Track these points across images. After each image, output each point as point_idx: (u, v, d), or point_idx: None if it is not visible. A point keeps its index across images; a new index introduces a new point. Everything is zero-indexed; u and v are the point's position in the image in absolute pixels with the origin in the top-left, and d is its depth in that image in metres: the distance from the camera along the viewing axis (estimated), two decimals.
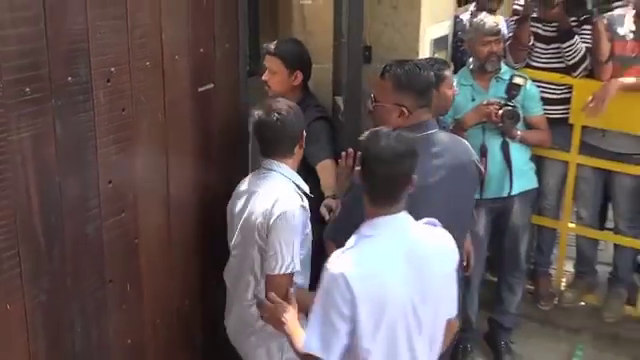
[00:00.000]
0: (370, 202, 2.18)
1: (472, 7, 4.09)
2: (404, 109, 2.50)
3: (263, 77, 3.06)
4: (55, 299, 2.03)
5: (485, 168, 3.61)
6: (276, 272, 2.34)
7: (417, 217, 2.29)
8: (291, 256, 2.36)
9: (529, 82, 3.76)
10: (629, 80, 3.68)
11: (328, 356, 2.05)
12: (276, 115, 2.42)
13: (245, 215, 2.42)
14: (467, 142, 2.80)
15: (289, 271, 2.36)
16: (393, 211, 2.15)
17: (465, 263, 3.39)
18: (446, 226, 2.45)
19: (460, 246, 2.69)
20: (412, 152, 2.15)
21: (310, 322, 2.11)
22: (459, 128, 3.62)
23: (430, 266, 2.16)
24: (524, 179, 3.81)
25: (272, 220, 2.34)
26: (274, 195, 2.37)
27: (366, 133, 2.23)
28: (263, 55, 3.14)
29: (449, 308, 2.25)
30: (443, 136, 2.65)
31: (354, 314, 2.02)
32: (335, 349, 2.05)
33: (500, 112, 3.57)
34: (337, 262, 2.07)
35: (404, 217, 2.18)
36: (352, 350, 2.06)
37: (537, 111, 3.80)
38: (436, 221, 2.27)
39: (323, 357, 2.06)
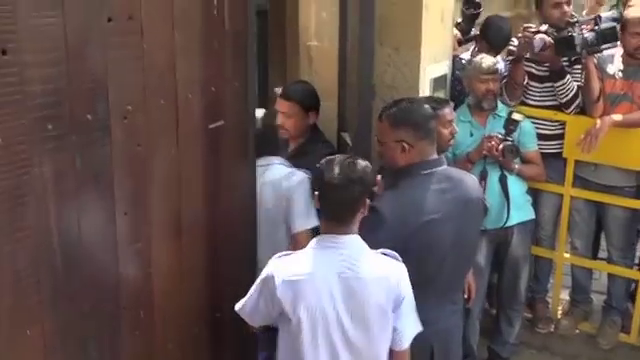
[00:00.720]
0: (323, 223, 2.34)
1: (472, 47, 4.13)
2: (404, 144, 2.54)
3: (278, 122, 3.12)
4: (71, 324, 2.04)
5: (483, 192, 3.65)
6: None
7: (423, 250, 2.41)
8: None
9: (525, 119, 3.80)
10: (619, 117, 3.72)
11: (252, 323, 2.46)
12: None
13: None
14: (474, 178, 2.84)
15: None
16: (342, 232, 2.27)
17: (467, 295, 3.39)
18: (453, 259, 2.55)
19: (463, 278, 2.75)
20: (362, 179, 2.27)
21: (250, 291, 2.37)
22: (465, 162, 3.66)
23: (364, 291, 2.24)
24: (521, 211, 3.84)
25: None
26: None
27: (323, 160, 2.35)
28: (273, 99, 3.18)
29: (387, 340, 2.34)
30: (452, 172, 2.69)
31: (280, 308, 2.26)
32: (258, 321, 2.43)
33: (501, 147, 3.60)
34: (276, 263, 2.30)
35: (352, 239, 2.29)
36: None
37: (532, 147, 3.84)
38: (395, 254, 2.35)
39: (248, 322, 2.44)
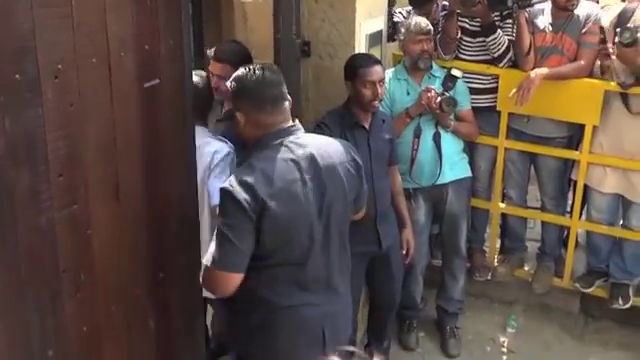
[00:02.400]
0: None
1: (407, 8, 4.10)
2: (239, 115, 2.49)
3: (212, 84, 3.07)
4: (9, 288, 1.97)
5: (416, 150, 3.70)
6: None
7: (280, 223, 2.36)
8: None
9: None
10: (550, 70, 3.78)
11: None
12: None
13: None
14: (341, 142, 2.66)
15: None
16: None
17: (405, 252, 3.44)
18: (321, 235, 2.47)
19: (344, 243, 2.60)
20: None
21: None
22: (404, 118, 3.69)
23: None
24: (457, 168, 3.91)
25: None
26: None
27: None
28: (207, 60, 3.13)
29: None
30: (308, 139, 2.54)
31: None
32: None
33: (439, 99, 3.64)
34: None
35: None
36: None
37: (466, 105, 3.91)
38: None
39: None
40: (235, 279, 2.42)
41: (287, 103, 2.51)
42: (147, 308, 2.56)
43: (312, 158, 2.45)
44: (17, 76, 1.89)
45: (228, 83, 2.54)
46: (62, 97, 2.06)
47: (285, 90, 2.52)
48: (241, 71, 2.51)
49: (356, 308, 3.46)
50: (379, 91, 3.28)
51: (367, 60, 3.30)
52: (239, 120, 2.48)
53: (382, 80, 3.30)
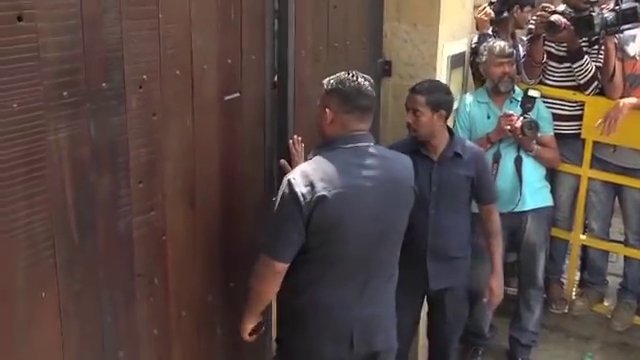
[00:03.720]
0: None
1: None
2: (327, 110, 2.51)
3: None
4: (87, 289, 2.06)
5: (495, 176, 3.65)
6: None
7: (327, 222, 2.41)
8: None
9: (541, 103, 3.78)
10: (638, 100, 3.70)
11: None
12: None
13: None
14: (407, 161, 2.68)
15: None
16: None
17: (487, 299, 3.38)
18: (369, 241, 2.49)
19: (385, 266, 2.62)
20: None
21: None
22: (485, 143, 3.67)
23: None
24: (537, 196, 3.84)
25: None
26: None
27: None
28: None
29: None
30: (379, 150, 2.60)
31: None
32: None
33: (519, 123, 3.60)
34: None
35: None
36: None
37: (548, 131, 3.85)
38: None
39: None
40: (279, 268, 2.46)
41: (372, 116, 2.59)
42: (216, 315, 2.63)
43: (378, 167, 2.50)
44: (104, 84, 1.99)
45: (325, 81, 2.59)
46: (146, 107, 2.16)
47: (375, 104, 2.63)
48: (343, 74, 2.57)
49: (404, 347, 3.33)
50: (411, 120, 3.17)
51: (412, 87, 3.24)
52: (326, 117, 2.53)
53: (416, 110, 3.14)
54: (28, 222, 1.84)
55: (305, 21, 2.82)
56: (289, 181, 2.41)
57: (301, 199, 2.37)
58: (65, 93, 1.86)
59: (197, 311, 2.55)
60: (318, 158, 2.48)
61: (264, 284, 2.52)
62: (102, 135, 2.01)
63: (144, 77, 2.12)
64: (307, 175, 2.41)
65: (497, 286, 3.33)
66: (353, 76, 2.54)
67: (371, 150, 2.53)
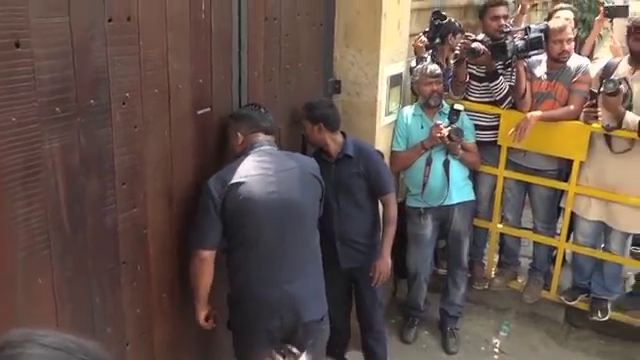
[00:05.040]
0: None
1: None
2: (239, 134, 2.61)
3: None
4: (78, 275, 2.04)
5: (428, 176, 3.69)
6: None
7: (236, 208, 2.43)
8: None
9: (464, 114, 3.83)
10: (544, 113, 3.77)
11: None
12: None
13: None
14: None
15: None
16: None
17: (372, 276, 3.28)
18: (275, 225, 2.48)
19: (308, 236, 2.61)
20: None
21: None
22: (420, 149, 3.70)
23: None
24: (462, 192, 3.87)
25: None
26: None
27: None
28: None
29: None
30: (275, 150, 2.63)
31: None
32: None
33: (446, 131, 3.64)
34: None
35: None
36: None
37: (470, 139, 3.89)
38: None
39: None
40: (203, 255, 2.46)
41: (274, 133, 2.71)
42: (191, 297, 2.60)
43: (276, 161, 2.54)
44: (92, 101, 1.97)
45: (232, 113, 2.71)
46: (128, 120, 2.14)
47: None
48: (246, 106, 2.72)
49: (342, 319, 3.35)
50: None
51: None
52: (237, 139, 2.62)
53: (301, 123, 3.23)
54: (26, 219, 1.83)
55: (257, 47, 2.82)
56: (206, 182, 2.46)
57: (214, 192, 2.42)
58: (58, 109, 1.85)
59: (175, 293, 2.55)
60: (230, 164, 2.54)
61: (195, 271, 2.50)
62: (90, 144, 1.99)
63: (127, 95, 2.11)
64: (219, 174, 2.48)
65: (380, 265, 3.25)
66: (255, 106, 2.68)
67: (271, 152, 2.59)
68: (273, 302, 2.49)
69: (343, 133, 3.25)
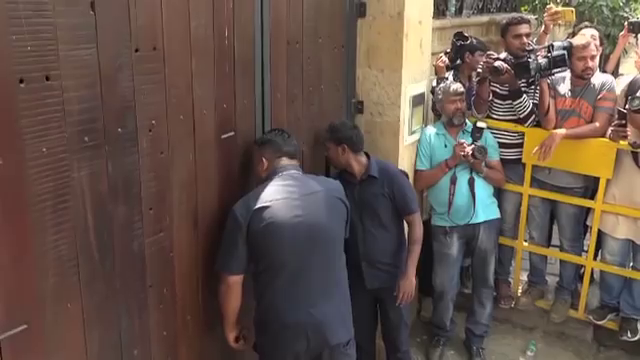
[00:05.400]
0: None
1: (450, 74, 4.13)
2: (264, 159, 2.66)
3: None
4: (106, 300, 2.08)
5: (453, 194, 3.68)
6: None
7: (262, 231, 2.45)
8: None
9: (488, 133, 3.83)
10: (569, 131, 3.74)
11: None
12: None
13: None
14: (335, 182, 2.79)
15: None
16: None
17: (396, 295, 3.27)
18: (304, 248, 2.50)
19: (332, 259, 2.60)
20: None
21: None
22: (444, 168, 3.70)
23: None
24: (488, 210, 3.86)
25: None
26: None
27: None
28: None
29: None
30: (300, 174, 2.65)
31: None
32: None
33: (470, 149, 3.64)
34: None
35: None
36: None
37: (495, 156, 3.88)
38: None
39: None
40: (230, 280, 2.50)
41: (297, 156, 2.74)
42: (216, 318, 2.63)
43: (300, 185, 2.56)
44: (119, 130, 2.02)
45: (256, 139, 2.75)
46: (154, 147, 2.18)
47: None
48: (269, 132, 2.75)
49: (367, 339, 3.34)
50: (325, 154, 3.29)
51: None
52: (262, 165, 2.66)
53: (325, 145, 3.26)
54: (56, 245, 1.87)
55: (280, 70, 2.86)
56: (232, 208, 2.49)
57: (239, 217, 2.45)
58: (86, 138, 1.89)
59: (200, 315, 2.57)
60: (255, 189, 2.57)
61: (223, 296, 2.54)
62: (118, 171, 2.04)
63: (153, 122, 2.15)
64: (244, 200, 2.51)
65: (404, 285, 3.24)
66: (278, 131, 2.71)
67: (296, 175, 2.62)
68: (299, 325, 2.50)
69: (367, 154, 3.27)
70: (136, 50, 2.03)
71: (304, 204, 2.52)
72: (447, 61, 4.04)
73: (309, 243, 2.50)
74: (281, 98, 2.91)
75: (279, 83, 2.87)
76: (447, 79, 3.97)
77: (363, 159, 3.24)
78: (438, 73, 4.01)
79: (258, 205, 2.46)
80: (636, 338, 3.89)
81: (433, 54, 3.97)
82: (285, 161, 2.64)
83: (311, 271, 2.52)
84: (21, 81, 1.68)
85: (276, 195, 2.50)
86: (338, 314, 2.60)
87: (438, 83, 3.94)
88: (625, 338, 3.91)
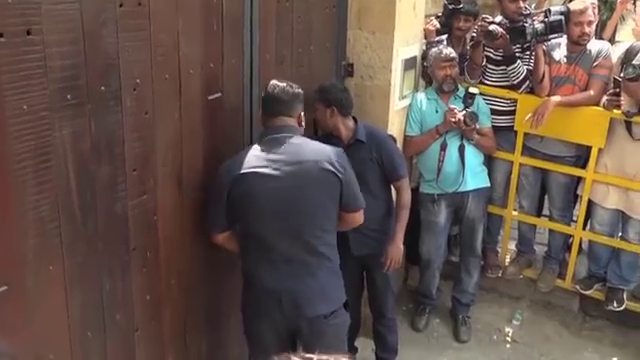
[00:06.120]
0: None
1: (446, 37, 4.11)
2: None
3: None
4: (88, 262, 2.09)
5: (442, 161, 3.71)
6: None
7: (242, 198, 2.50)
8: None
9: (480, 99, 3.83)
10: (562, 99, 3.76)
11: None
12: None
13: None
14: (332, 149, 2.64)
15: None
16: None
17: (383, 261, 3.33)
18: (283, 217, 2.50)
19: (312, 233, 2.56)
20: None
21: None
22: (434, 134, 3.71)
23: None
24: (477, 178, 3.89)
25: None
26: None
27: None
28: None
29: None
30: (296, 140, 2.58)
31: None
32: None
33: (461, 115, 3.65)
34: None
35: None
36: None
37: (487, 123, 3.89)
38: None
39: None
40: (217, 238, 2.63)
41: (287, 114, 2.62)
42: (201, 282, 2.67)
43: (288, 152, 2.52)
44: (102, 88, 2.01)
45: None
46: (139, 106, 2.18)
47: (288, 106, 2.62)
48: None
49: (353, 306, 3.34)
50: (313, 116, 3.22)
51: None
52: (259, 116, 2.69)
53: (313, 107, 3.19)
54: (37, 205, 1.88)
55: (269, 29, 2.83)
56: (219, 169, 2.54)
57: (223, 179, 2.51)
58: (69, 96, 1.88)
59: (185, 279, 2.59)
60: (241, 153, 2.58)
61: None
62: (101, 131, 2.03)
63: (137, 81, 2.14)
64: (228, 164, 2.54)
65: (392, 251, 3.27)
66: (271, 86, 2.62)
67: (287, 140, 2.55)
68: (274, 291, 2.54)
69: (354, 118, 3.27)
70: (120, 5, 2.01)
71: (284, 175, 2.48)
72: (437, 25, 4.02)
73: (285, 215, 2.50)
74: (270, 59, 2.89)
75: (268, 43, 2.85)
76: (440, 43, 3.95)
77: (351, 123, 3.23)
78: (427, 37, 3.99)
79: (238, 171, 2.48)
80: (622, 308, 3.99)
81: (426, 16, 3.94)
82: (270, 120, 2.60)
83: (287, 242, 2.53)
84: (1, 35, 1.66)
85: (257, 162, 2.49)
86: (317, 287, 2.59)
87: (427, 48, 3.92)
88: (611, 308, 4.00)
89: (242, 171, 2.47)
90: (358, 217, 2.75)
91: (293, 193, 2.50)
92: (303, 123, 2.69)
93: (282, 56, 2.99)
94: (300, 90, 2.66)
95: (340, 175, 2.56)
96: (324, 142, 2.96)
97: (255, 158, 2.51)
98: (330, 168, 2.54)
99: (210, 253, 2.69)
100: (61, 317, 2.04)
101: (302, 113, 2.67)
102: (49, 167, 1.87)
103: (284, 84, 2.62)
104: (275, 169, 2.49)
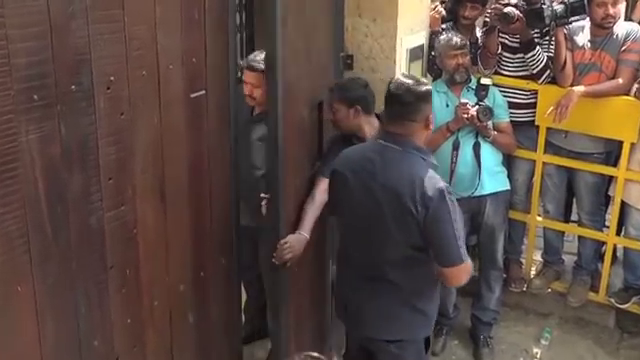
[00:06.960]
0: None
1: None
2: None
3: (245, 91, 3.27)
4: (61, 282, 2.10)
5: (455, 162, 3.72)
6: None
7: (338, 196, 2.86)
8: None
9: (496, 91, 3.86)
10: (588, 88, 3.78)
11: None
12: None
13: None
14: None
15: None
16: None
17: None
18: (363, 232, 2.79)
19: (377, 258, 2.76)
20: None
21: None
22: (445, 132, 3.72)
23: None
24: (495, 180, 3.90)
25: None
26: None
27: None
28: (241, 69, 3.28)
29: None
30: (396, 154, 2.67)
31: None
32: None
33: (474, 110, 3.67)
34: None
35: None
36: None
37: (504, 118, 3.91)
38: None
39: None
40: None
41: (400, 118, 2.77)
42: (187, 304, 2.68)
43: (382, 169, 2.67)
44: (73, 87, 2.03)
45: None
46: (113, 107, 2.20)
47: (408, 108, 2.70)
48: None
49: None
50: (331, 117, 3.31)
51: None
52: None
53: (332, 107, 3.29)
54: (2, 220, 1.88)
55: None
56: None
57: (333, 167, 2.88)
58: (36, 96, 1.90)
59: (169, 300, 2.61)
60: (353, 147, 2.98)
61: None
62: (72, 135, 2.05)
63: (111, 78, 2.16)
64: (340, 156, 2.90)
65: (293, 239, 3.09)
66: (395, 83, 2.71)
67: (389, 153, 2.67)
68: (342, 297, 3.01)
69: (377, 115, 3.30)
70: None
71: (368, 192, 2.70)
72: (443, 12, 4.05)
73: (364, 231, 2.75)
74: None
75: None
76: (447, 30, 3.99)
77: (375, 121, 3.25)
78: (432, 26, 4.02)
79: (338, 168, 2.82)
80: None
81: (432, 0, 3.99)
82: (393, 127, 2.72)
83: (359, 256, 2.84)
84: None
85: (354, 167, 2.77)
86: (375, 309, 2.82)
87: (431, 37, 3.96)
88: None
89: (342, 170, 2.78)
90: (449, 273, 2.69)
91: (374, 213, 2.68)
92: (431, 126, 2.77)
93: None
94: (429, 87, 2.74)
95: (418, 216, 2.58)
96: (343, 143, 3.16)
97: (353, 162, 2.79)
98: (409, 206, 2.57)
99: (199, 270, 2.71)
100: (33, 346, 2.05)
101: (430, 115, 2.73)
102: (15, 176, 1.89)
103: (411, 82, 2.67)
104: (368, 179, 2.69)
